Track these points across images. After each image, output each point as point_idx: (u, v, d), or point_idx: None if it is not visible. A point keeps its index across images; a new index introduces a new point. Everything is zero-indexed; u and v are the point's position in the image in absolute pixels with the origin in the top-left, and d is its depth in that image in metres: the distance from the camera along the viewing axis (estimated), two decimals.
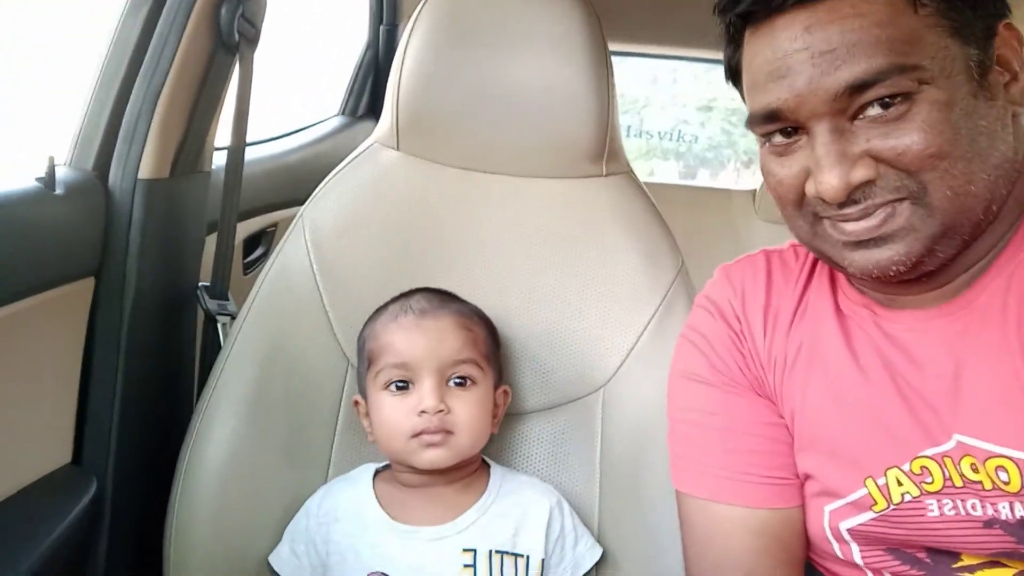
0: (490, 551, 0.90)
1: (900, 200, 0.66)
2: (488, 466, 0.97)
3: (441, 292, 0.98)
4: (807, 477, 0.79)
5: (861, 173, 0.65)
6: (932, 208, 0.65)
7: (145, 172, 1.05)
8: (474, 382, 0.92)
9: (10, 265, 0.89)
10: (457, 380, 0.91)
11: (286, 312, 1.03)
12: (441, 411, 0.88)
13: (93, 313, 1.03)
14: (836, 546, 0.77)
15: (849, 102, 0.65)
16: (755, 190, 2.36)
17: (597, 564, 0.97)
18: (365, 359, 0.94)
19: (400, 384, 0.90)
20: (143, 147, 1.05)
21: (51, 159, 0.96)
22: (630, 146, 1.14)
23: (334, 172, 1.09)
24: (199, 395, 1.03)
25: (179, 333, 1.18)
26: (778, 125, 0.69)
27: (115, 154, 1.05)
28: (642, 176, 1.14)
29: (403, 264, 1.04)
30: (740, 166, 3.48)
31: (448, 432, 0.89)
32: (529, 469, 1.02)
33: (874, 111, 0.65)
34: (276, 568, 0.94)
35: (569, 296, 1.03)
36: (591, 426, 1.01)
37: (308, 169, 1.53)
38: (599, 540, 0.98)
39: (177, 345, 1.18)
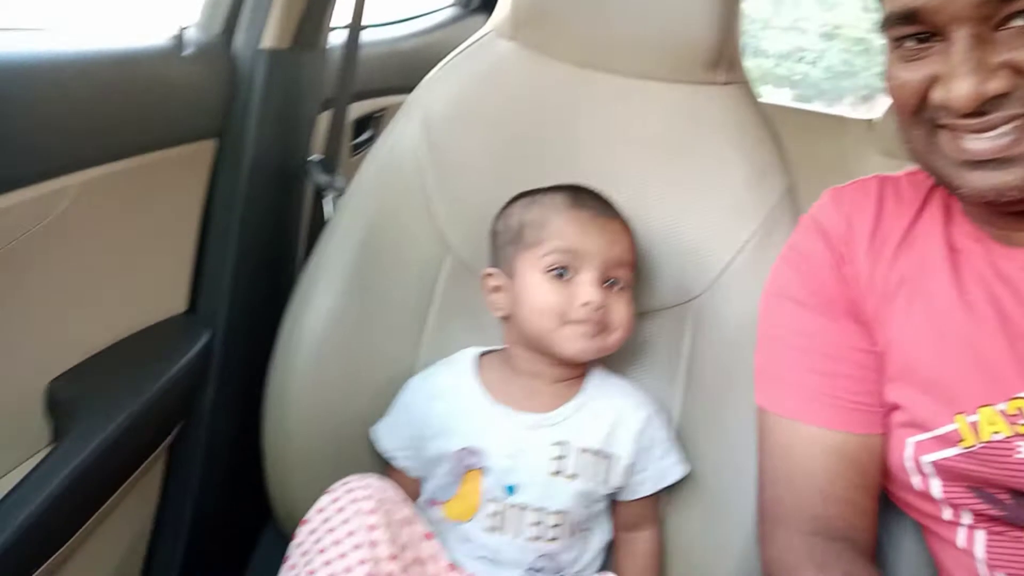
0: (580, 448, 0.92)
1: None
2: (587, 368, 0.98)
3: (601, 196, 0.98)
4: (894, 407, 0.78)
5: (996, 84, 0.63)
6: None
7: (267, 42, 1.07)
8: (625, 288, 0.94)
9: (139, 119, 0.94)
10: (612, 281, 0.92)
11: (391, 192, 1.05)
12: (602, 308, 0.90)
13: (213, 174, 1.08)
14: (916, 478, 0.77)
15: (996, 9, 0.62)
16: (872, 119, 2.25)
17: None
18: (518, 239, 0.95)
19: (561, 271, 0.91)
20: (267, 16, 1.07)
21: (180, 22, 0.99)
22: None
23: (448, 58, 1.09)
24: (304, 265, 1.07)
25: (289, 203, 1.22)
26: (914, 28, 0.66)
27: (240, 21, 1.07)
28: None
29: (510, 157, 1.05)
30: (858, 100, 3.32)
31: (604, 327, 0.91)
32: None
33: (1020, 22, 0.62)
34: (374, 439, 0.99)
35: (670, 205, 1.02)
36: (679, 337, 1.01)
37: (420, 57, 1.53)
38: None
39: (287, 214, 1.22)
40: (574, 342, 0.91)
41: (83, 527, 0.91)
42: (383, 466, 1.02)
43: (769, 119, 1.07)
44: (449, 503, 0.93)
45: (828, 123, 2.26)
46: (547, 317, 0.91)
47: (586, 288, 0.90)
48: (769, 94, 3.43)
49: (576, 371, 0.96)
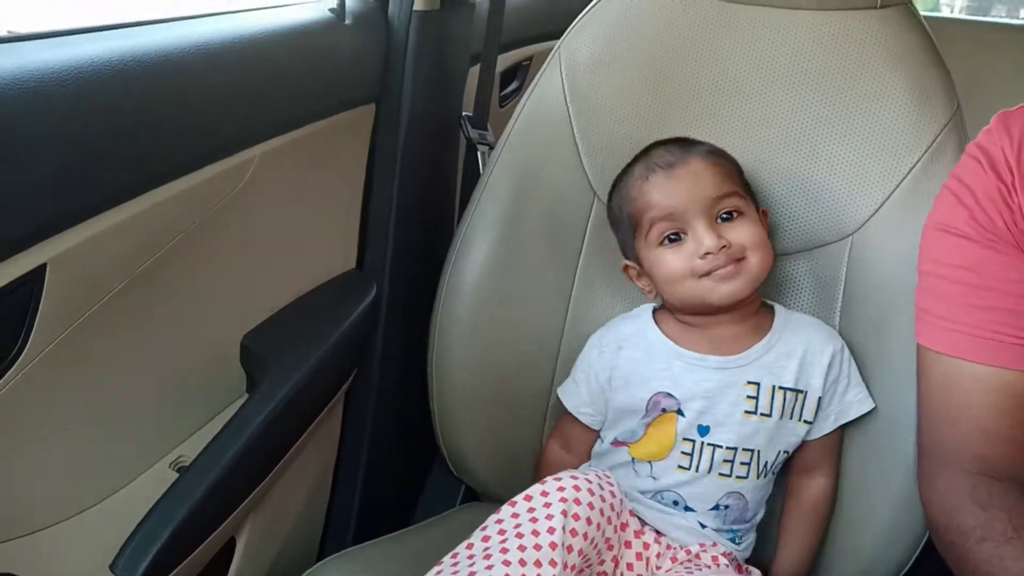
0: (773, 386, 0.92)
1: None
2: (771, 307, 0.98)
3: (679, 140, 0.97)
4: None
5: None
6: None
7: (419, 3, 1.11)
8: (741, 213, 0.92)
9: (309, 89, 1.01)
10: (724, 215, 0.91)
11: (539, 143, 1.07)
12: (724, 247, 0.89)
13: (373, 137, 1.14)
14: None
15: None
16: None
17: None
18: (627, 226, 0.96)
19: (673, 236, 0.92)
20: None
21: None
22: None
23: (592, 4, 1.09)
24: (459, 219, 1.12)
25: (444, 159, 1.27)
26: None
27: None
28: (921, 11, 1.04)
29: (656, 99, 1.05)
30: None
31: (737, 261, 0.90)
32: None
33: None
34: (562, 399, 1.02)
35: (824, 138, 0.99)
36: (834, 275, 0.99)
37: (564, 2, 1.54)
38: None
39: (442, 170, 1.27)
40: (718, 290, 0.90)
41: (278, 464, 1.02)
42: (539, 408, 1.07)
43: (935, 38, 1.00)
44: (638, 444, 0.95)
45: (1007, 34, 2.06)
46: (682, 282, 0.91)
47: (698, 239, 0.90)
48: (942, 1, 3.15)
49: (746, 312, 0.95)
